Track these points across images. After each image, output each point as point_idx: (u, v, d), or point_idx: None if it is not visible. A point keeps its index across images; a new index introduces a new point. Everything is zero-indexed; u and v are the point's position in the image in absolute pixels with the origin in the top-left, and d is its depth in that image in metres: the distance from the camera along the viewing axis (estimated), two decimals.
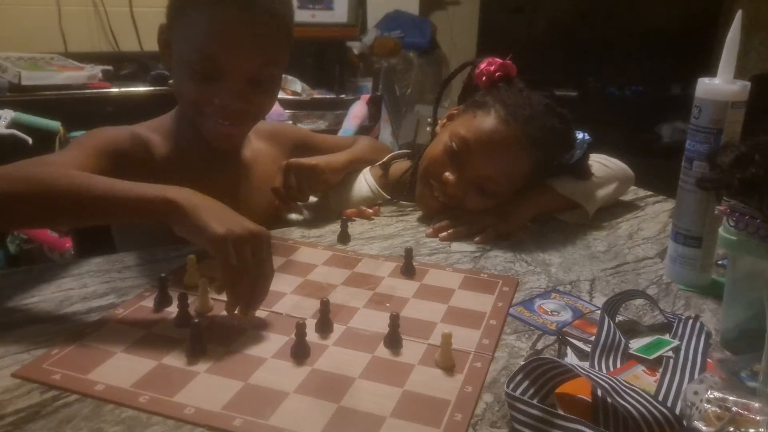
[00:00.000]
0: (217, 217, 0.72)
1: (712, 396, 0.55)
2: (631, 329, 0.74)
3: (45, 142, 1.79)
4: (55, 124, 1.82)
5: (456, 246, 0.99)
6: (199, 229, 0.70)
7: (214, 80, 0.89)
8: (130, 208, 0.75)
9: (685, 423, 0.54)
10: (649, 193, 1.29)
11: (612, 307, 0.75)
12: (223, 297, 0.76)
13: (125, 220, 0.89)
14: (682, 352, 0.68)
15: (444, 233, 1.01)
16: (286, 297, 0.79)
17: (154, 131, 1.00)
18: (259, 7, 0.88)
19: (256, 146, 1.10)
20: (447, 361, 0.65)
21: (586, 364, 0.65)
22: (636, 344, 0.70)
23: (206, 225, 0.70)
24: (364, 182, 1.18)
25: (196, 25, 0.88)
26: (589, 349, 0.68)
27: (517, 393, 0.57)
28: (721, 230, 0.70)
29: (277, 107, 2.28)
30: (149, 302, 0.75)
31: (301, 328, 0.65)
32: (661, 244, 1.01)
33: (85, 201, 0.75)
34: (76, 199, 0.74)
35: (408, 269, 0.87)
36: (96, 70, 2.17)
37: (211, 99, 0.90)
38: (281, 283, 0.82)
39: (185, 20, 0.90)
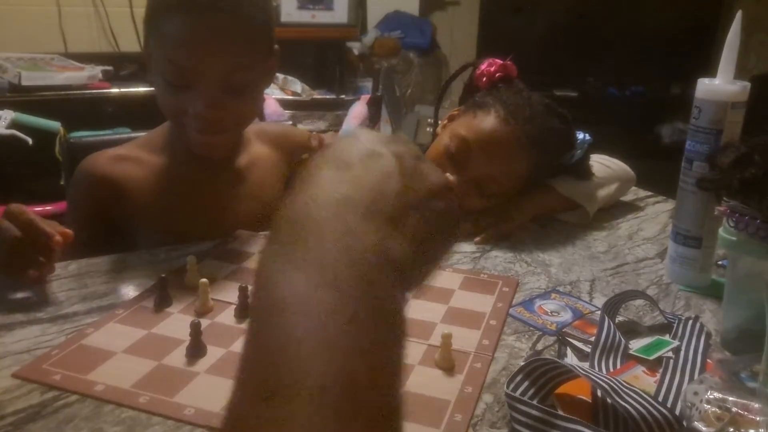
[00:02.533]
0: None
1: (712, 396, 0.55)
2: (631, 330, 0.74)
3: (45, 142, 1.79)
4: (55, 125, 1.82)
5: (456, 246, 0.99)
6: None
7: (186, 89, 0.88)
8: None
9: (685, 423, 0.54)
10: (650, 193, 1.29)
11: (612, 307, 0.75)
12: (223, 297, 0.77)
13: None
14: (682, 353, 0.68)
15: None
16: None
17: (143, 147, 1.01)
18: (225, 12, 0.86)
19: (257, 151, 1.09)
20: (447, 361, 0.65)
21: (586, 365, 0.65)
22: (636, 345, 0.70)
23: None
24: None
25: (164, 35, 0.88)
26: (589, 350, 0.68)
27: (517, 393, 0.57)
28: (721, 231, 0.70)
29: (276, 107, 2.29)
30: (149, 302, 0.75)
31: None
32: (661, 245, 1.01)
33: None
34: None
35: None
36: (96, 70, 2.18)
37: (186, 108, 0.89)
38: None
39: (156, 32, 0.90)
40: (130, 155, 1.00)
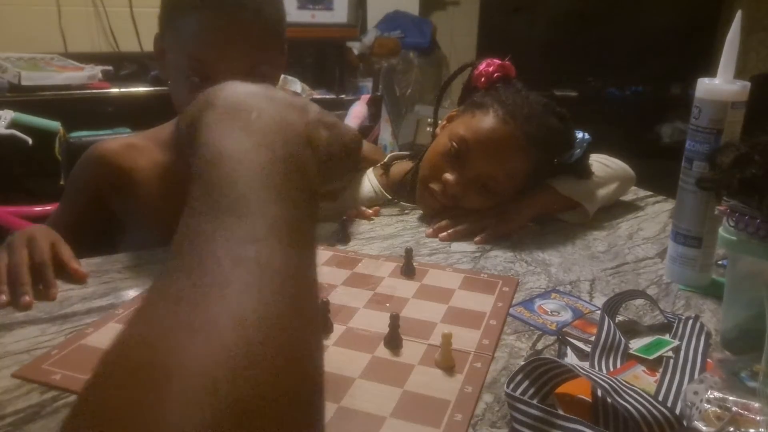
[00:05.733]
0: None
1: (712, 396, 0.55)
2: (631, 329, 0.74)
3: (45, 142, 1.79)
4: (55, 125, 1.82)
5: (456, 246, 0.99)
6: None
7: (206, 84, 0.89)
8: None
9: (685, 423, 0.54)
10: (649, 193, 1.29)
11: (612, 307, 0.75)
12: None
13: None
14: (682, 352, 0.68)
15: (444, 233, 1.02)
16: None
17: (151, 140, 1.02)
18: (245, 8, 0.88)
19: None
20: (447, 361, 0.65)
21: (586, 364, 0.65)
22: (636, 344, 0.70)
23: None
24: (368, 182, 1.19)
25: (184, 30, 0.89)
26: (589, 349, 0.68)
27: (517, 393, 0.57)
28: (721, 230, 0.70)
29: None
30: None
31: None
32: (661, 244, 1.01)
33: None
34: None
35: (408, 269, 0.87)
36: (96, 70, 2.17)
37: None
38: None
39: (175, 27, 0.91)
40: (141, 145, 1.00)
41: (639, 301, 0.81)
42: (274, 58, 0.95)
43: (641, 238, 1.05)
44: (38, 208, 1.77)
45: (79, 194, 1.01)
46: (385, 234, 1.03)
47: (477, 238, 1.00)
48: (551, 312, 0.78)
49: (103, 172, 0.98)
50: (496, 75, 1.08)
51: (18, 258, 0.78)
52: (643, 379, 0.64)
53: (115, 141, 1.00)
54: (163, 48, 0.94)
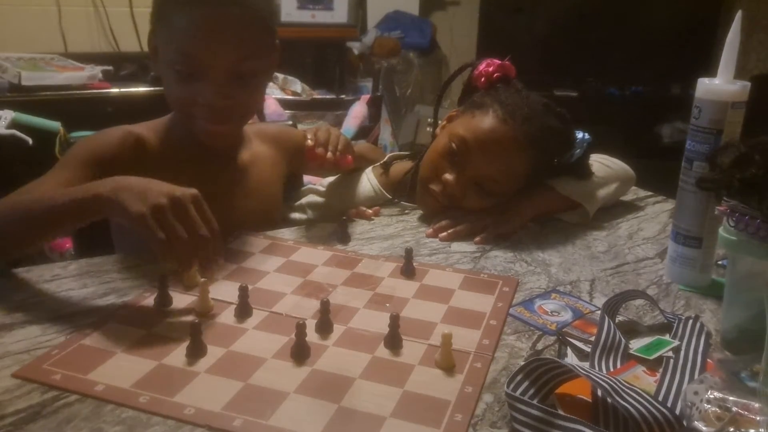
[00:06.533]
0: (137, 194, 0.71)
1: (712, 396, 0.55)
2: (631, 329, 0.74)
3: (45, 142, 1.79)
4: (55, 125, 1.82)
5: (456, 246, 0.99)
6: (123, 213, 0.71)
7: (196, 79, 0.91)
8: (71, 214, 0.76)
9: (685, 423, 0.54)
10: (649, 193, 1.29)
11: (612, 307, 0.75)
12: (223, 297, 0.77)
13: (71, 225, 0.83)
14: (682, 353, 0.68)
15: (444, 233, 1.02)
16: (286, 297, 0.79)
17: (149, 130, 1.02)
18: (233, 2, 0.89)
19: (257, 149, 1.10)
20: (447, 361, 0.65)
21: (586, 365, 0.65)
22: (636, 344, 0.70)
23: (126, 207, 0.70)
24: (367, 182, 1.19)
25: (174, 26, 0.90)
26: (589, 350, 0.68)
27: (517, 393, 0.57)
28: (721, 230, 0.70)
29: (276, 107, 2.28)
30: (149, 302, 0.75)
31: (301, 329, 0.65)
32: (661, 245, 1.01)
33: (28, 219, 0.79)
34: (20, 219, 0.79)
35: (408, 269, 0.87)
36: (96, 70, 2.17)
37: (195, 98, 0.91)
38: (281, 283, 0.82)
39: (166, 24, 0.92)
40: (146, 135, 1.00)
41: (639, 301, 0.81)
42: (263, 53, 0.95)
43: (641, 238, 1.05)
44: None
45: (88, 164, 0.94)
46: (385, 234, 1.03)
47: (477, 239, 1.00)
48: (551, 312, 0.78)
49: (127, 146, 0.96)
50: (496, 75, 1.08)
51: (198, 225, 0.71)
52: (643, 379, 0.64)
53: (127, 126, 1.00)
54: (156, 45, 0.95)
